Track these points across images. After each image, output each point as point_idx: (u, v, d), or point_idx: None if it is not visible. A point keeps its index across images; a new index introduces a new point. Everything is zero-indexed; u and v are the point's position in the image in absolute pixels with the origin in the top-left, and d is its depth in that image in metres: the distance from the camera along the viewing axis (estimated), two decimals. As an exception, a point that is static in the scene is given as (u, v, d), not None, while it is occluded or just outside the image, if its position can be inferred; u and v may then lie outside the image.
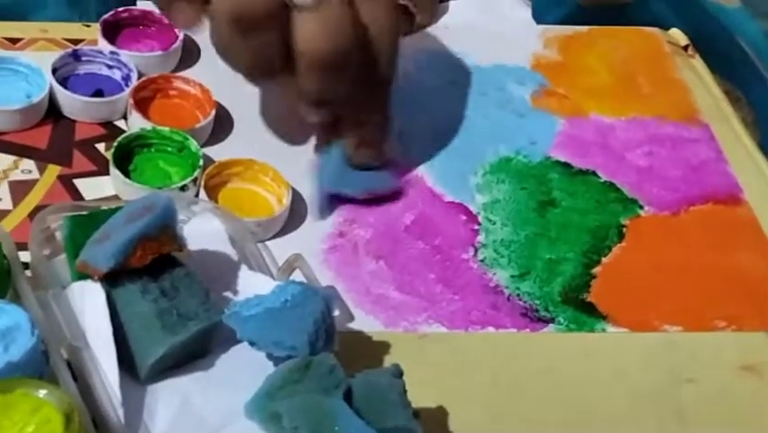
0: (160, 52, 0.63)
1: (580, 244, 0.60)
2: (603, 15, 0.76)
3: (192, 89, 0.62)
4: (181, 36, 0.64)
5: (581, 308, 0.57)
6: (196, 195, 0.57)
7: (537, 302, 0.56)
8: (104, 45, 0.63)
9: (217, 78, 0.63)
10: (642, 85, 0.70)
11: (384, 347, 0.52)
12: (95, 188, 0.57)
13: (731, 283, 0.59)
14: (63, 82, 0.61)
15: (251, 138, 0.61)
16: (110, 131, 0.60)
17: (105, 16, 0.64)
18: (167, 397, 0.46)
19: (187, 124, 0.60)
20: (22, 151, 0.59)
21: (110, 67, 0.62)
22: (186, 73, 0.64)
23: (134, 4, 0.67)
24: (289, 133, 0.61)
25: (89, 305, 0.46)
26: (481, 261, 0.58)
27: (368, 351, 0.52)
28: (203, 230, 0.52)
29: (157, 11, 0.65)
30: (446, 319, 0.55)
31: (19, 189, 0.57)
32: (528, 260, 0.58)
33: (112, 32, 0.64)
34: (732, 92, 0.73)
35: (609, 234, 0.60)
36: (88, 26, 0.66)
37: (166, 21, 0.65)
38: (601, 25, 0.74)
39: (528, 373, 0.53)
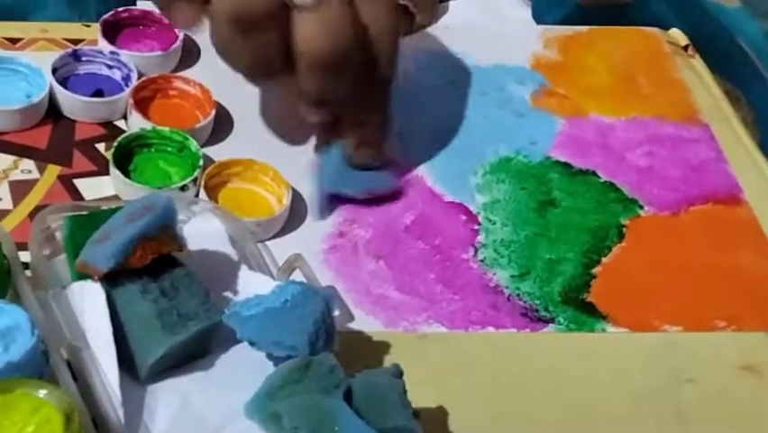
0: (159, 52, 0.63)
1: (580, 244, 0.60)
2: (603, 15, 0.76)
3: (192, 89, 0.62)
4: (181, 36, 0.64)
5: (581, 308, 0.57)
6: (196, 195, 0.57)
7: (537, 302, 0.56)
8: (104, 45, 0.63)
9: (217, 78, 0.63)
10: (642, 85, 0.70)
11: (384, 347, 0.52)
12: (95, 188, 0.57)
13: (731, 283, 0.59)
14: (63, 82, 0.61)
15: (251, 138, 0.61)
16: (110, 131, 0.60)
17: (105, 16, 0.64)
18: (167, 397, 0.46)
19: (187, 124, 0.60)
20: (22, 151, 0.59)
21: (110, 67, 0.62)
22: (186, 73, 0.64)
23: (134, 4, 0.67)
24: (289, 132, 0.61)
25: (89, 305, 0.46)
26: (481, 261, 0.58)
27: (368, 351, 0.52)
28: (203, 230, 0.52)
29: (157, 11, 0.65)
30: (446, 319, 0.55)
31: (19, 189, 0.57)
32: (528, 260, 0.58)
33: (112, 32, 0.64)
34: (732, 92, 0.73)
35: (609, 235, 0.60)
36: (88, 26, 0.66)
37: (166, 21, 0.65)
38: (601, 25, 0.74)
39: (528, 373, 0.53)
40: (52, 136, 0.60)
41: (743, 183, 0.65)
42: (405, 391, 0.46)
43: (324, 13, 0.52)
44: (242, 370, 0.46)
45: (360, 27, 0.54)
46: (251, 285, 0.50)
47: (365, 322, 0.54)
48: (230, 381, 0.46)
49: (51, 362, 0.44)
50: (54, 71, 0.60)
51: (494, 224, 0.60)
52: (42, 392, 0.41)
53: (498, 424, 0.51)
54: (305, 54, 0.52)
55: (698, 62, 0.73)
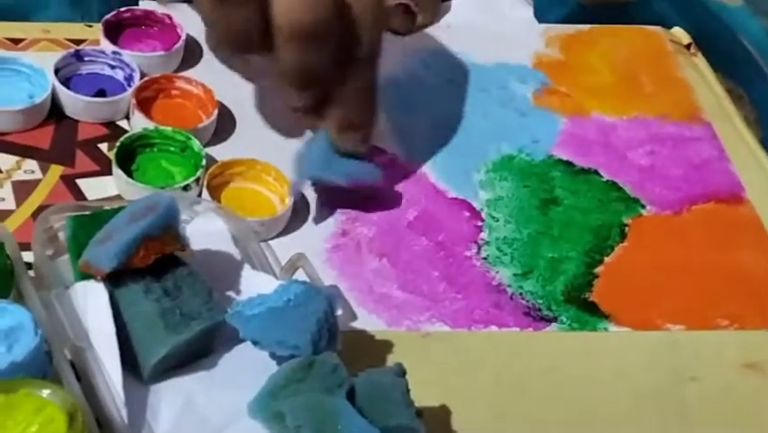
0: (162, 52, 0.63)
1: (582, 243, 0.60)
2: (605, 14, 0.76)
3: (194, 89, 0.62)
4: (183, 36, 0.64)
5: (584, 308, 0.57)
6: (199, 194, 0.57)
7: (540, 301, 0.57)
8: (106, 45, 0.63)
9: (220, 78, 0.63)
10: (644, 83, 0.70)
11: (387, 346, 0.52)
12: (97, 188, 0.57)
13: (733, 282, 0.59)
14: (66, 82, 0.61)
15: (254, 138, 0.61)
16: (113, 131, 0.60)
17: (108, 16, 0.64)
18: (170, 396, 0.46)
19: (189, 123, 0.60)
20: (24, 151, 0.59)
21: (112, 67, 0.62)
22: (188, 73, 0.64)
23: (136, 4, 0.67)
24: (287, 126, 0.61)
25: (92, 305, 0.46)
26: (484, 258, 0.58)
27: (371, 350, 0.52)
28: (206, 230, 0.52)
29: (159, 11, 0.65)
30: (449, 318, 0.55)
31: (22, 189, 0.57)
32: (531, 258, 0.58)
33: (114, 32, 0.64)
34: (734, 90, 0.73)
35: (612, 234, 0.60)
36: (90, 26, 0.66)
37: (168, 21, 0.65)
38: (603, 24, 0.74)
39: (531, 372, 0.53)
40: (55, 136, 0.60)
41: (745, 182, 0.65)
42: (408, 390, 0.46)
43: None
44: (245, 369, 0.46)
45: (343, 4, 0.53)
46: (254, 284, 0.50)
47: (368, 321, 0.54)
48: (233, 380, 0.46)
49: (55, 362, 0.44)
50: (57, 71, 0.60)
51: (497, 221, 0.60)
52: (46, 392, 0.41)
53: (500, 423, 0.51)
54: (283, 26, 0.51)
55: (700, 61, 0.73)
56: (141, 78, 0.61)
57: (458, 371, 0.53)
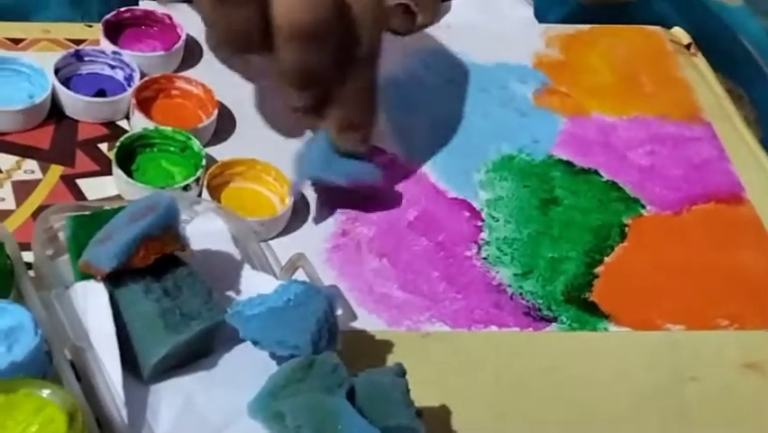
0: (162, 52, 0.63)
1: (582, 243, 0.60)
2: (605, 14, 0.76)
3: (194, 89, 0.62)
4: (183, 36, 0.64)
5: (584, 308, 0.57)
6: (199, 195, 0.57)
7: (540, 301, 0.57)
8: (106, 45, 0.63)
9: (220, 78, 0.63)
10: (644, 84, 0.70)
11: (387, 346, 0.52)
12: (97, 188, 0.57)
13: (733, 282, 0.59)
14: (66, 82, 0.61)
15: (254, 138, 0.61)
16: (113, 131, 0.60)
17: (108, 16, 0.64)
18: (170, 396, 0.46)
19: (189, 123, 0.60)
20: (24, 151, 0.59)
21: (112, 67, 0.62)
22: (188, 73, 0.64)
23: (136, 4, 0.67)
24: (287, 126, 0.61)
25: (92, 305, 0.46)
26: (484, 258, 0.58)
27: (371, 350, 0.52)
28: (206, 230, 0.52)
29: (159, 11, 0.65)
30: (449, 318, 0.55)
31: (22, 190, 0.57)
32: (531, 258, 0.58)
33: (114, 32, 0.64)
34: (734, 90, 0.73)
35: (612, 234, 0.60)
36: (90, 26, 0.66)
37: (168, 21, 0.65)
38: (603, 24, 0.74)
39: (531, 372, 0.53)
40: (55, 136, 0.60)
41: (745, 182, 0.65)
42: (408, 390, 0.46)
43: None
44: (245, 369, 0.46)
45: (343, 4, 0.53)
46: (254, 284, 0.50)
47: (368, 321, 0.54)
48: (233, 380, 0.46)
49: (55, 362, 0.44)
50: (57, 71, 0.60)
51: (497, 221, 0.60)
52: (46, 392, 0.41)
53: (500, 423, 0.51)
54: (283, 26, 0.51)
55: (700, 61, 0.73)
56: (141, 78, 0.61)
57: (458, 371, 0.53)
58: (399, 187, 0.61)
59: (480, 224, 0.60)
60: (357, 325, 0.51)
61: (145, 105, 0.60)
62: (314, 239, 0.57)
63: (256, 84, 0.64)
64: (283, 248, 0.55)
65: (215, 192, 0.57)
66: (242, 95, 0.63)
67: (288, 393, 0.44)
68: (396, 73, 0.67)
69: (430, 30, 0.71)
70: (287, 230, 0.57)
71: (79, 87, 0.61)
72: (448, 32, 0.71)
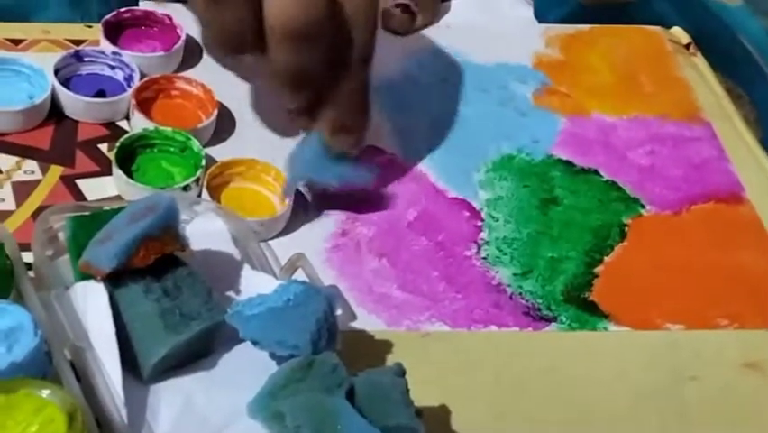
0: (162, 53, 0.63)
1: (582, 243, 0.60)
2: (605, 14, 0.76)
3: (194, 89, 0.62)
4: (183, 36, 0.64)
5: (584, 307, 0.57)
6: (199, 195, 0.57)
7: (540, 301, 0.57)
8: (106, 46, 0.63)
9: (219, 79, 0.63)
10: (644, 83, 0.70)
11: (387, 346, 0.53)
12: (97, 189, 0.57)
13: (733, 281, 0.59)
14: (65, 83, 0.61)
15: (254, 138, 0.61)
16: (112, 131, 0.61)
17: (107, 17, 0.64)
18: (170, 397, 0.46)
19: (189, 124, 0.60)
20: (24, 151, 0.59)
21: (112, 67, 0.62)
22: (188, 73, 0.64)
23: (136, 5, 0.67)
24: (284, 125, 0.61)
25: (92, 305, 0.46)
26: (484, 258, 0.58)
27: (370, 350, 0.52)
28: (205, 230, 0.52)
29: (159, 11, 0.65)
30: (449, 318, 0.55)
31: (22, 190, 0.57)
32: (531, 258, 0.58)
33: (114, 32, 0.64)
34: (734, 90, 0.73)
35: (611, 233, 0.60)
36: (90, 27, 0.66)
37: (168, 21, 0.65)
38: (603, 24, 0.74)
39: (531, 371, 0.53)
40: (55, 137, 0.60)
41: (745, 181, 0.65)
42: (407, 390, 0.46)
43: None
44: (245, 369, 0.46)
45: (335, 4, 0.53)
46: (254, 284, 0.50)
47: (368, 321, 0.54)
48: (233, 380, 0.46)
49: (54, 362, 0.44)
50: (56, 72, 0.60)
51: (497, 220, 0.60)
52: (46, 392, 0.41)
53: (500, 423, 0.51)
54: (276, 27, 0.51)
55: (700, 60, 0.73)
56: (141, 78, 0.61)
57: (457, 370, 0.53)
58: (399, 187, 0.61)
59: (479, 223, 0.60)
60: (357, 325, 0.51)
61: (145, 105, 0.61)
62: (313, 239, 0.57)
63: (251, 83, 0.63)
64: (283, 248, 0.55)
65: (215, 192, 0.57)
66: (242, 95, 0.63)
67: (287, 393, 0.44)
68: (395, 73, 0.67)
69: (430, 30, 0.71)
70: (286, 230, 0.57)
71: (79, 87, 0.61)
72: (448, 32, 0.71)
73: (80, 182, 0.58)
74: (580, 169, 0.64)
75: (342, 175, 0.57)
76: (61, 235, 0.51)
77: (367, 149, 0.61)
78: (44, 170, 0.58)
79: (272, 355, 0.47)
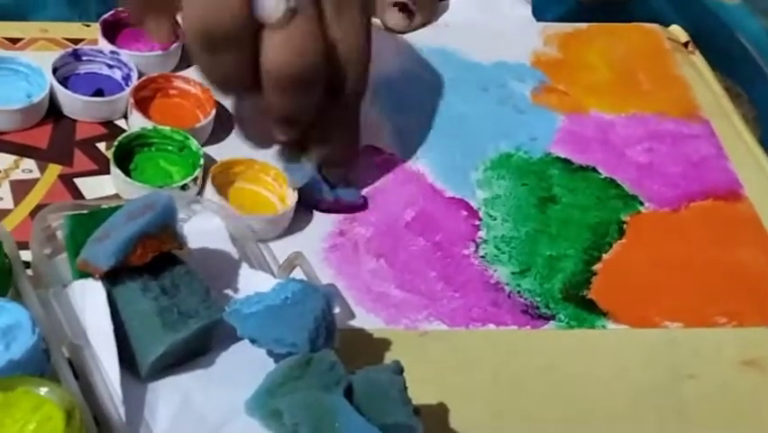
0: (159, 52, 0.63)
1: (580, 241, 0.60)
2: (603, 12, 0.76)
3: (192, 89, 0.62)
4: (181, 36, 0.64)
5: (582, 305, 0.57)
6: (198, 193, 0.57)
7: (538, 299, 0.57)
8: (104, 45, 0.63)
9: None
10: (642, 81, 0.70)
11: (385, 345, 0.53)
12: (95, 188, 0.57)
13: (731, 279, 0.59)
14: (63, 82, 0.61)
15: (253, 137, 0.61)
16: (111, 130, 0.60)
17: (105, 16, 0.64)
18: (168, 395, 0.46)
19: (187, 123, 0.60)
20: (22, 150, 0.59)
21: (110, 66, 0.62)
22: (186, 72, 0.64)
23: (134, 4, 0.67)
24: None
25: (90, 303, 0.46)
26: (482, 257, 0.58)
27: (369, 348, 0.52)
28: (203, 228, 0.52)
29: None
30: (447, 317, 0.55)
31: (20, 189, 0.57)
32: (529, 256, 0.58)
33: (112, 31, 0.64)
34: (732, 89, 0.73)
35: (610, 231, 0.60)
36: (88, 26, 0.66)
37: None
38: (601, 22, 0.74)
39: (529, 370, 0.53)
40: (53, 136, 0.60)
41: (743, 179, 0.65)
42: (405, 388, 0.46)
43: (291, 31, 0.51)
44: (243, 367, 0.46)
45: (329, 44, 0.53)
46: (252, 283, 0.50)
47: (366, 320, 0.54)
48: (231, 378, 0.46)
49: (52, 360, 0.44)
50: (54, 71, 0.60)
51: (495, 219, 0.60)
52: (44, 390, 0.41)
53: (498, 421, 0.51)
54: (271, 72, 0.52)
55: (698, 59, 0.73)
56: (139, 77, 0.61)
57: (456, 369, 0.53)
58: (397, 187, 0.61)
59: (477, 222, 0.60)
60: (355, 324, 0.51)
61: (143, 104, 0.61)
62: (311, 239, 0.57)
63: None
64: (281, 247, 0.55)
65: (223, 190, 0.57)
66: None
67: (285, 391, 0.44)
68: (393, 72, 0.67)
69: (428, 28, 0.71)
70: (284, 229, 0.57)
71: (77, 86, 0.61)
72: (446, 30, 0.71)
73: (78, 181, 0.58)
74: (578, 166, 0.64)
75: (335, 192, 0.58)
76: (59, 234, 0.51)
77: (365, 148, 0.61)
78: (42, 169, 0.58)
79: (270, 353, 0.46)
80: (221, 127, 0.61)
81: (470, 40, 0.70)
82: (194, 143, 0.58)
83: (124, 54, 0.62)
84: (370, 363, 0.47)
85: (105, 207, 0.50)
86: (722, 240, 0.61)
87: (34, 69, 0.61)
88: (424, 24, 0.71)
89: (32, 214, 0.55)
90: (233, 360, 0.47)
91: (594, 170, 0.64)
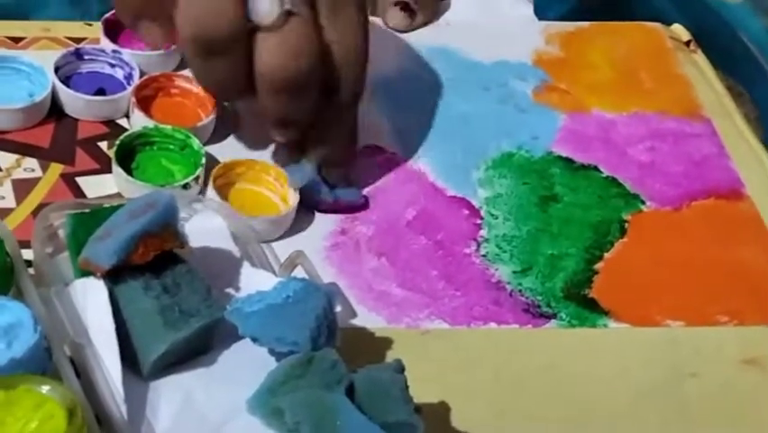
0: (161, 51, 0.63)
1: (582, 240, 0.60)
2: (605, 11, 0.76)
3: (194, 88, 0.62)
4: (183, 34, 0.64)
5: (583, 304, 0.57)
6: (200, 193, 0.57)
7: (539, 298, 0.57)
8: (106, 44, 0.63)
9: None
10: (644, 80, 0.70)
11: (386, 343, 0.53)
12: (97, 186, 0.57)
13: (733, 278, 0.59)
14: (65, 81, 0.61)
15: (253, 136, 0.61)
16: (112, 129, 0.61)
17: (107, 15, 0.64)
18: (169, 393, 0.46)
19: (189, 122, 0.60)
20: (24, 149, 0.59)
21: (112, 65, 0.62)
22: (187, 72, 0.64)
23: (136, 3, 0.67)
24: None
25: (92, 302, 0.46)
26: (483, 256, 0.58)
27: (370, 347, 0.52)
28: (205, 227, 0.52)
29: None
30: (448, 315, 0.55)
31: (22, 188, 0.57)
32: (530, 255, 0.58)
33: (114, 30, 0.64)
34: (734, 88, 0.73)
35: (611, 230, 0.60)
36: (90, 25, 0.66)
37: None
38: (603, 21, 0.74)
39: (530, 369, 0.53)
40: (55, 135, 0.60)
41: (745, 178, 0.65)
42: (407, 387, 0.46)
43: (286, 33, 0.51)
44: (245, 366, 0.46)
45: (324, 46, 0.53)
46: (253, 282, 0.50)
47: (367, 319, 0.54)
48: (232, 377, 0.46)
49: (54, 358, 0.44)
50: (56, 70, 0.60)
51: (496, 218, 0.60)
52: (45, 388, 0.41)
53: (500, 420, 0.51)
54: (265, 76, 0.52)
55: (700, 58, 0.73)
56: (141, 76, 0.61)
57: (457, 368, 0.53)
58: (398, 186, 0.61)
59: (479, 221, 0.60)
60: (357, 322, 0.51)
61: (145, 103, 0.61)
62: (313, 237, 0.57)
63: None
64: (282, 246, 0.55)
65: (223, 191, 0.57)
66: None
67: (287, 390, 0.44)
68: (395, 71, 0.67)
69: (429, 28, 0.71)
70: (286, 229, 0.57)
71: (79, 85, 0.61)
72: (448, 29, 0.71)
73: (80, 180, 0.58)
74: (579, 165, 0.64)
75: (335, 193, 0.58)
76: (61, 233, 0.51)
77: (367, 148, 0.61)
78: (44, 168, 0.58)
79: (272, 352, 0.46)
80: (222, 126, 0.61)
81: (472, 39, 0.70)
82: (195, 142, 0.58)
83: (126, 53, 0.62)
84: (371, 361, 0.47)
85: (106, 205, 0.50)
86: (724, 239, 0.61)
87: (36, 68, 0.61)
88: (425, 23, 0.71)
89: (34, 213, 0.55)
90: (234, 359, 0.47)
91: (596, 168, 0.64)
